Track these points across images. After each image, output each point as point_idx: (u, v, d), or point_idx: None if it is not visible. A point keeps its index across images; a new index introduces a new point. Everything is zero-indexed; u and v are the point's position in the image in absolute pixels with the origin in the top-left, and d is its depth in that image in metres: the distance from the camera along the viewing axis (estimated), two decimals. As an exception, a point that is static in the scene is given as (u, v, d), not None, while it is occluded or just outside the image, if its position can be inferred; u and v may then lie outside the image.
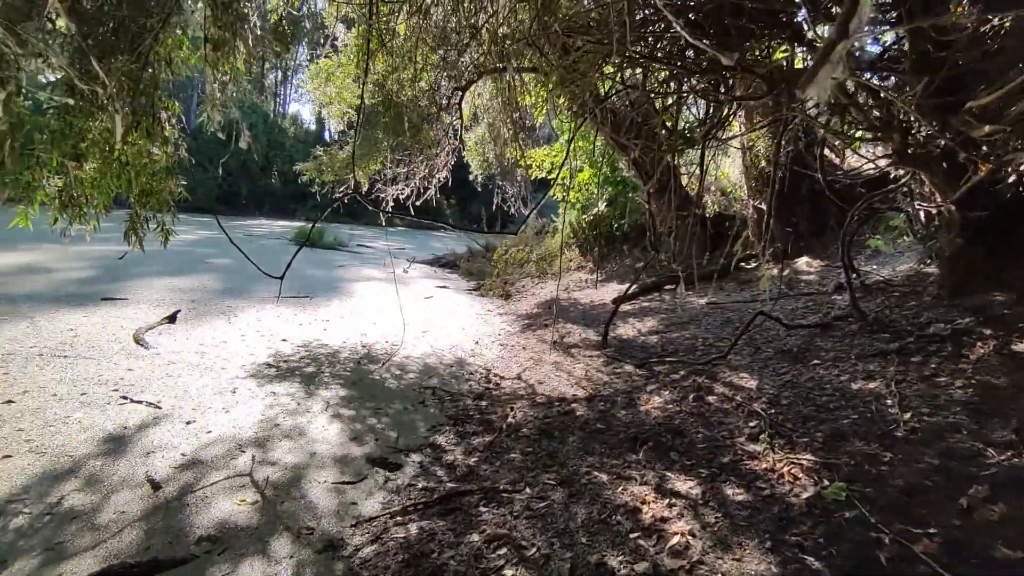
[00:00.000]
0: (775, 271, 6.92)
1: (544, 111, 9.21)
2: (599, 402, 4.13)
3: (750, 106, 5.82)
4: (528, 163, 10.10)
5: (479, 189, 12.08)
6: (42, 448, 3.06)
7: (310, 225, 13.52)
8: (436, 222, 7.51)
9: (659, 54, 3.54)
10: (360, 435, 3.60)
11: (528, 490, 2.85)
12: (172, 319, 6.11)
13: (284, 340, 5.81)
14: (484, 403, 4.33)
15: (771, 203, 3.81)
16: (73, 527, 2.39)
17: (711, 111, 4.03)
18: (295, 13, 5.13)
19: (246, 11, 3.95)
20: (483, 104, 8.91)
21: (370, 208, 4.94)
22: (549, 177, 10.50)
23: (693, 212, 4.29)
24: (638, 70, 4.15)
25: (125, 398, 3.84)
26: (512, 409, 4.09)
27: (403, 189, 8.03)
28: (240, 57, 4.15)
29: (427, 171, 7.96)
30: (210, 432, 3.44)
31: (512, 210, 11.24)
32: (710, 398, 3.78)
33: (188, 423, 3.54)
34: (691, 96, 3.94)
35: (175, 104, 3.84)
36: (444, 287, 10.78)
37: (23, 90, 2.86)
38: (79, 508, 2.53)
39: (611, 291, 8.47)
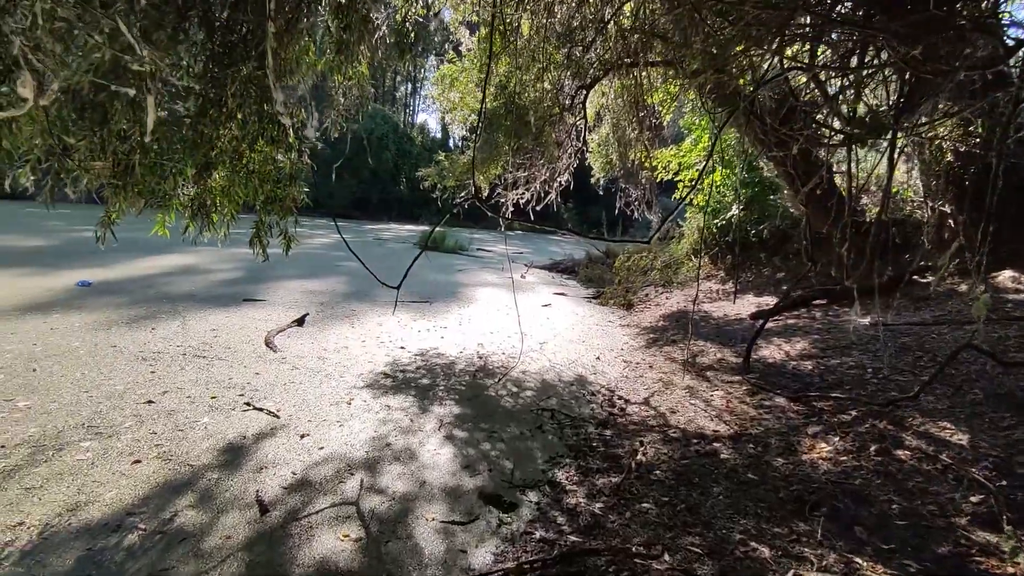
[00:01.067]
0: (966, 287, 5.69)
1: (672, 108, 8.50)
2: (747, 443, 3.48)
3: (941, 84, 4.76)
4: (653, 164, 9.40)
5: (600, 193, 11.51)
6: (168, 454, 3.09)
7: (431, 229, 13.83)
8: (555, 227, 7.14)
9: (839, 18, 2.86)
10: (473, 463, 3.29)
11: (667, 557, 2.34)
12: (300, 322, 6.32)
13: (402, 348, 5.75)
14: (608, 432, 3.84)
15: (991, 202, 2.97)
16: (180, 550, 2.29)
17: (905, 90, 3.22)
18: (420, 19, 5.01)
19: (369, 12, 3.82)
20: (607, 103, 8.41)
21: (489, 213, 4.66)
22: (675, 180, 9.72)
23: (880, 216, 3.49)
24: (806, 45, 3.46)
25: (248, 404, 3.88)
26: (642, 444, 3.56)
27: (523, 193, 7.76)
28: (364, 61, 4.06)
29: (548, 174, 7.62)
30: (322, 449, 3.31)
31: (635, 214, 10.56)
32: (900, 452, 3.00)
33: (302, 436, 3.46)
34: (882, 72, 3.15)
35: (301, 111, 3.80)
36: (562, 294, 10.39)
37: (158, 102, 2.89)
38: (188, 528, 2.44)
39: (747, 304, 7.55)
